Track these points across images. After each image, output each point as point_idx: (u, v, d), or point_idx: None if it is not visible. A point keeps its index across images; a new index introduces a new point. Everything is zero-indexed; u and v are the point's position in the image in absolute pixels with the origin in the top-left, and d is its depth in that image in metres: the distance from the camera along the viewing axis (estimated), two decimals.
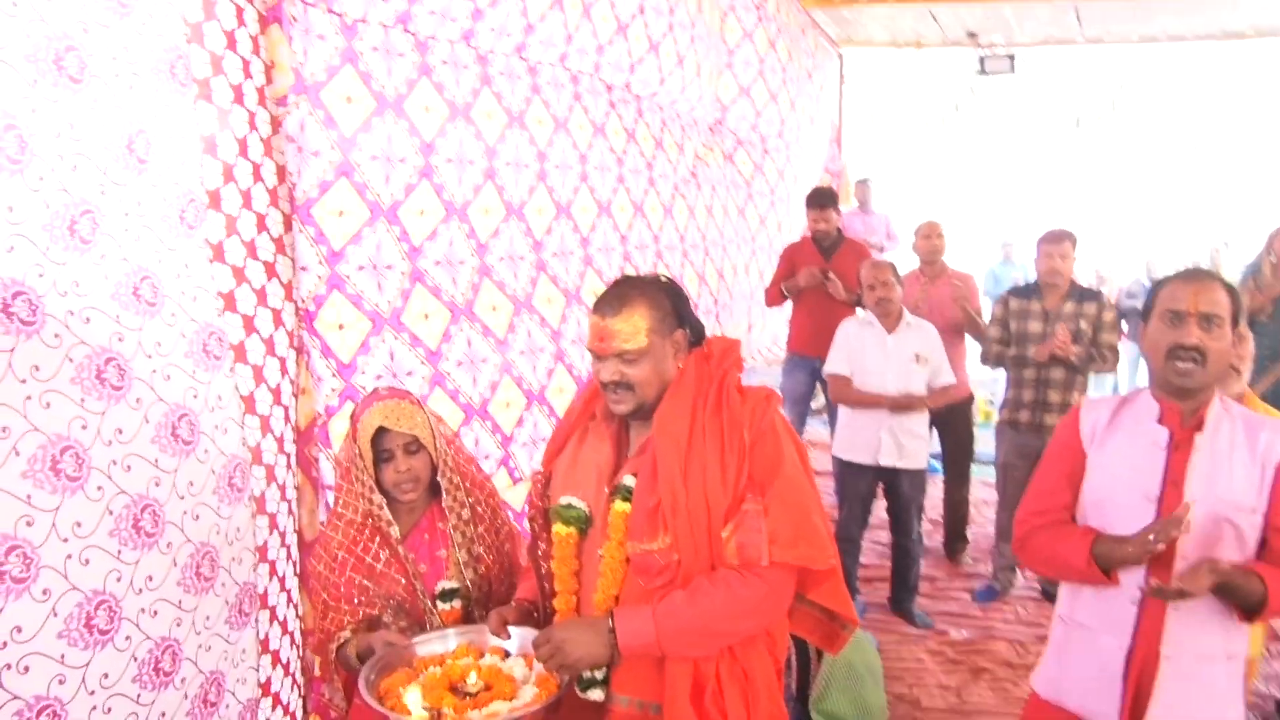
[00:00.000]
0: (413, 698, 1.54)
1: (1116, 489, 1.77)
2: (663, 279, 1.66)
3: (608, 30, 3.62)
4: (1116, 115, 8.68)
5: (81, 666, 1.76)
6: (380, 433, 1.85)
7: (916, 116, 9.01)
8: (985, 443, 4.96)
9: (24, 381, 1.65)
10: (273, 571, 2.41)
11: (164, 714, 1.98)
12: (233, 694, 2.24)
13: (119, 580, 1.85)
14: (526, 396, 3.27)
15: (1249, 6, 6.36)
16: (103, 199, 1.81)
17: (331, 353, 2.52)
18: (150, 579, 1.93)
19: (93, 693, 1.78)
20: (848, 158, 7.79)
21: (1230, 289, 1.74)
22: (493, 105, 3.08)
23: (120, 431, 1.87)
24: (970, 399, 4.54)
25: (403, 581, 1.87)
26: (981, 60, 7.86)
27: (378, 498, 1.86)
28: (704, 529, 1.53)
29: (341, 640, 1.80)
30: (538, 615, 1.77)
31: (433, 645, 1.76)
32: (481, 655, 1.71)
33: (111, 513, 1.83)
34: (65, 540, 1.73)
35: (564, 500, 1.66)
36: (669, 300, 1.62)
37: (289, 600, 2.50)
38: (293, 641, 2.51)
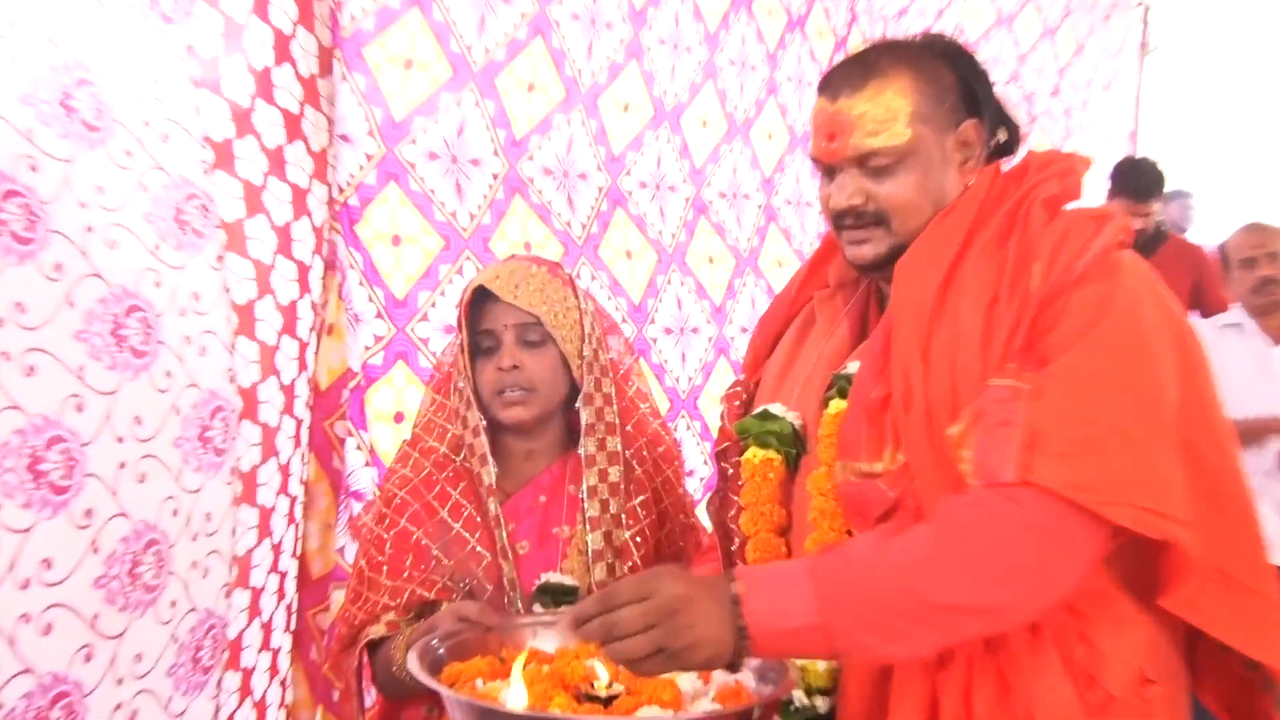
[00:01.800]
0: (516, 693, 1.34)
1: None
2: (945, 36, 1.51)
3: None
4: None
5: None
6: (484, 305, 1.75)
7: (1264, 96, 8.37)
8: None
9: None
10: (254, 609, 2.18)
11: None
12: None
13: None
14: (670, 399, 3.14)
15: None
16: None
17: (379, 278, 2.35)
18: (47, 565, 1.64)
19: None
20: (1148, 134, 7.29)
21: None
22: None
23: (21, 307, 1.61)
24: None
25: (486, 558, 1.73)
26: None
27: (474, 415, 1.75)
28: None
29: (373, 636, 1.67)
30: None
31: (535, 637, 1.55)
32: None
33: None
34: None
35: (761, 409, 1.52)
36: (951, 70, 1.45)
37: (274, 669, 2.26)
38: None
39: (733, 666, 1.24)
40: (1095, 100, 5.93)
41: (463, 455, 1.78)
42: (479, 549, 1.74)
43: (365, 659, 1.73)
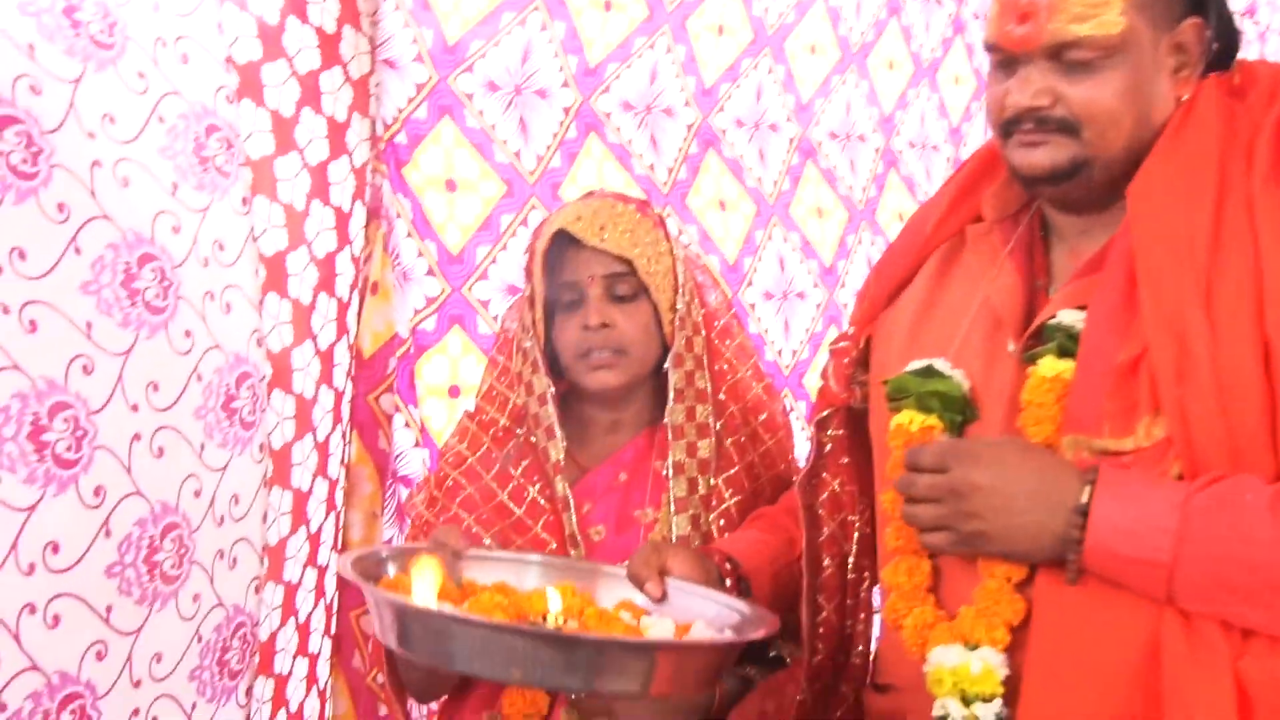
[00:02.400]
0: (423, 588, 1.43)
1: None
2: None
3: None
4: None
5: None
6: (564, 251, 1.72)
7: None
8: None
9: None
10: (290, 608, 2.18)
11: None
12: None
13: None
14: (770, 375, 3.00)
15: None
16: None
17: (430, 230, 2.32)
18: (54, 549, 1.62)
19: None
20: None
21: None
22: None
23: (21, 254, 1.58)
24: None
25: (551, 544, 1.71)
26: None
27: (542, 380, 1.73)
28: (1256, 404, 1.25)
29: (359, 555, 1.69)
30: (730, 582, 1.63)
31: (498, 570, 1.61)
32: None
33: None
34: None
35: (917, 365, 1.44)
36: None
37: (312, 677, 2.25)
38: None
39: (1063, 562, 1.28)
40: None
41: (529, 428, 1.76)
42: (543, 535, 1.72)
43: None
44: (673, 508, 1.72)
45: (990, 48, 1.40)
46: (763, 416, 1.83)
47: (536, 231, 1.81)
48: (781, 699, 1.60)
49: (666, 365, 1.75)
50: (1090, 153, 1.35)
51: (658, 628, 1.49)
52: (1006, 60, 1.38)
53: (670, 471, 1.73)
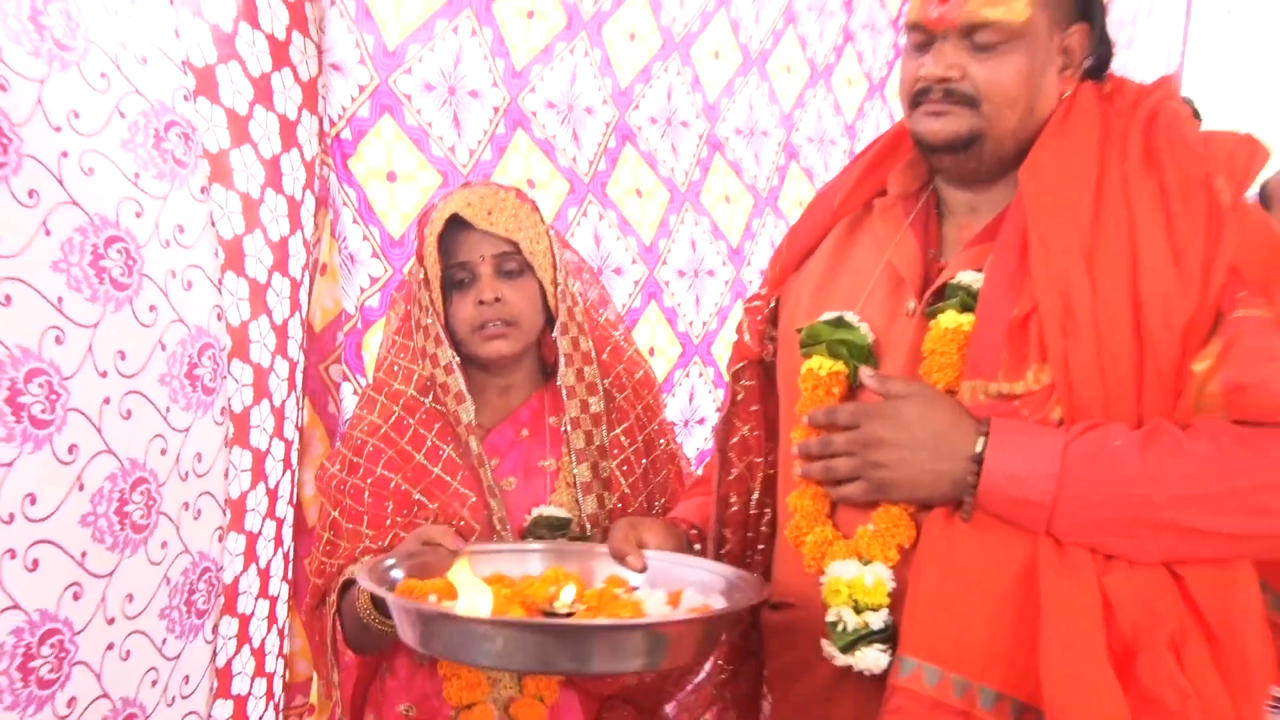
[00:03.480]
0: (472, 597, 1.39)
1: None
2: None
3: None
4: None
5: None
6: (456, 235, 1.70)
7: None
8: None
9: None
10: (250, 554, 2.17)
11: None
12: None
13: None
14: (682, 344, 3.10)
15: None
16: None
17: (373, 216, 2.30)
18: (31, 500, 1.60)
19: None
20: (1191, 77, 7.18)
21: None
22: None
23: None
24: None
25: (472, 498, 1.69)
26: None
27: (446, 353, 1.70)
28: (1128, 356, 1.29)
29: (348, 575, 1.64)
30: (699, 546, 1.62)
31: (494, 562, 1.56)
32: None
33: None
34: None
35: (830, 315, 1.45)
36: None
37: (272, 618, 2.25)
38: (269, 695, 2.27)
39: (958, 505, 1.29)
40: (1138, 42, 5.91)
41: (433, 396, 1.73)
42: (462, 490, 1.69)
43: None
44: (573, 458, 1.71)
45: (912, 26, 1.40)
46: (639, 375, 1.82)
47: (425, 218, 1.78)
48: None
49: (554, 333, 1.74)
50: (985, 126, 1.36)
51: (652, 600, 1.46)
52: (924, 39, 1.39)
53: (568, 427, 1.71)
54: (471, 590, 1.41)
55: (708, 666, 1.69)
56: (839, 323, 1.43)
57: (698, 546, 1.62)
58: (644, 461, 1.78)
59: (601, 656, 1.33)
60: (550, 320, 1.75)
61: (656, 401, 1.85)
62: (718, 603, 1.42)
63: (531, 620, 1.35)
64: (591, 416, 1.74)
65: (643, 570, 1.52)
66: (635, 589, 1.50)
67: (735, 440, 1.58)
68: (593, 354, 1.75)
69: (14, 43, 1.58)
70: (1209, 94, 7.15)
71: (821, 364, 1.41)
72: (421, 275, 1.72)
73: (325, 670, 1.84)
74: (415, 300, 1.74)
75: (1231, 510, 1.26)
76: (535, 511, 1.69)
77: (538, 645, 1.30)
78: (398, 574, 1.48)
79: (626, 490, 1.74)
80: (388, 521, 1.68)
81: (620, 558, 1.53)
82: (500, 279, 1.69)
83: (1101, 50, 1.44)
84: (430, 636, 1.34)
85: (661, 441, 1.83)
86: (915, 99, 1.40)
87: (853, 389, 1.41)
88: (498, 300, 1.67)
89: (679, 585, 1.47)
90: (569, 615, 1.40)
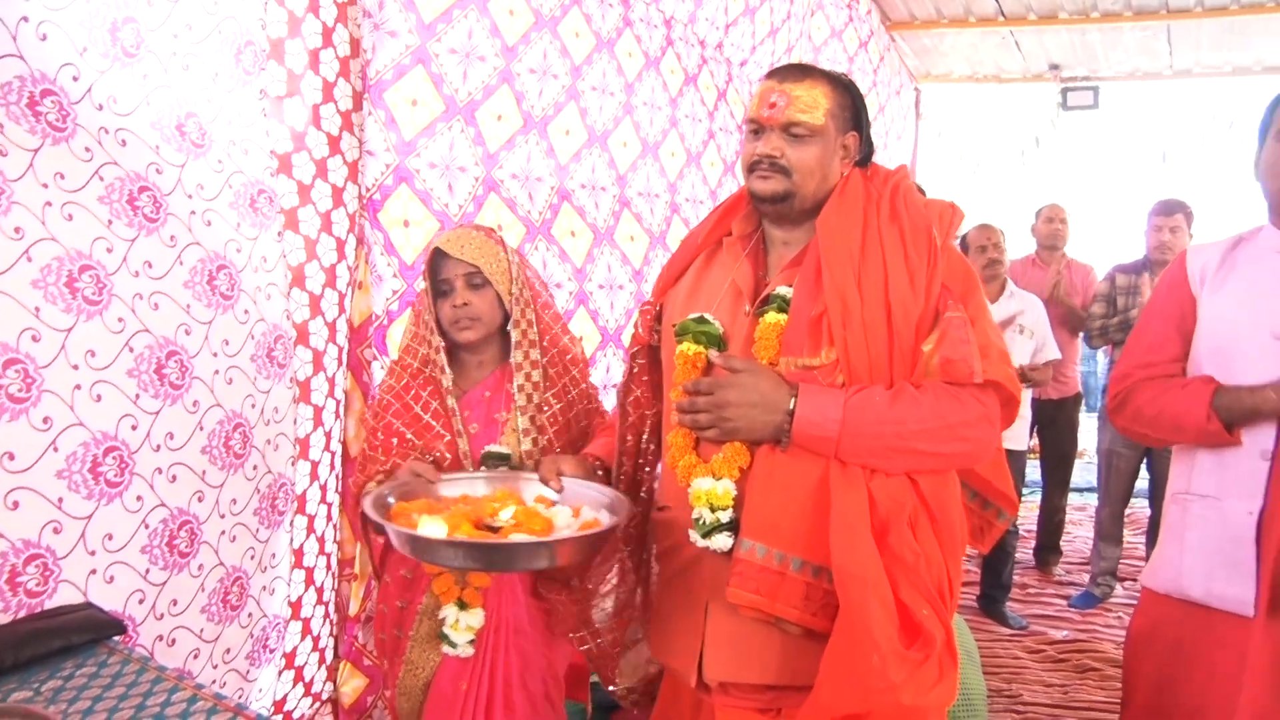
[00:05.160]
0: (431, 525, 1.32)
1: (1238, 331, 1.51)
2: (844, 77, 1.44)
3: None
4: (1205, 150, 8.10)
5: (84, 518, 1.53)
6: (440, 261, 1.68)
7: (994, 152, 8.54)
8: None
9: (45, 186, 1.46)
10: (314, 475, 2.13)
11: (175, 600, 1.71)
12: (256, 602, 1.94)
13: (134, 429, 1.60)
14: (602, 334, 3.01)
15: None
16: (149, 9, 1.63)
17: (394, 250, 2.26)
18: (170, 436, 1.68)
19: (93, 553, 1.54)
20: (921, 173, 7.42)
21: None
22: (580, 25, 2.84)
23: (150, 265, 1.64)
24: (1079, 398, 4.01)
25: (446, 438, 1.67)
26: (1064, 94, 7.40)
27: (436, 339, 1.68)
28: (883, 341, 1.30)
29: (369, 491, 1.52)
30: (601, 472, 1.57)
31: (459, 486, 1.54)
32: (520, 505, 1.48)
33: (132, 350, 1.60)
34: (76, 368, 1.50)
35: (695, 315, 1.41)
36: (851, 99, 1.42)
37: (329, 517, 2.21)
38: (329, 566, 2.22)
39: (778, 441, 1.29)
40: (890, 146, 6.11)
41: (430, 368, 1.71)
42: (441, 430, 1.67)
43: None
44: (518, 411, 1.68)
45: (751, 120, 1.40)
46: (569, 356, 1.78)
47: (426, 249, 1.73)
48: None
49: (509, 327, 1.70)
50: (794, 189, 1.37)
51: (561, 514, 1.44)
52: (757, 129, 1.39)
53: (516, 390, 1.69)
54: (432, 516, 1.38)
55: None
56: (701, 320, 1.41)
57: (600, 472, 1.58)
58: (568, 416, 1.74)
59: (517, 561, 1.34)
60: (508, 318, 1.71)
61: (583, 375, 1.80)
62: (604, 516, 1.41)
63: (469, 540, 1.31)
64: (532, 384, 1.70)
65: (560, 491, 1.50)
66: (554, 504, 1.49)
67: (631, 399, 1.55)
68: (536, 341, 1.70)
69: (165, 141, 1.65)
70: (929, 179, 7.53)
71: (690, 348, 1.39)
72: (422, 287, 1.72)
73: (361, 542, 1.83)
74: (421, 304, 1.73)
75: (944, 439, 1.28)
76: (486, 448, 1.67)
77: (472, 555, 1.30)
78: (393, 500, 1.45)
79: (552, 436, 1.71)
80: (394, 452, 1.67)
81: (545, 482, 1.51)
82: (469, 290, 1.66)
83: (866, 149, 1.44)
84: (404, 547, 1.35)
85: (584, 402, 1.79)
86: (751, 168, 1.39)
87: (710, 365, 1.40)
88: (465, 305, 1.65)
89: (580, 503, 1.47)
90: (500, 529, 1.38)
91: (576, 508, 1.46)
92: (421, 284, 1.73)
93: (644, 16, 3.18)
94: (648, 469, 1.57)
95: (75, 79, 1.50)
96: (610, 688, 1.70)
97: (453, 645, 1.65)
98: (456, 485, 1.55)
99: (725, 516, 1.33)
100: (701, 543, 1.34)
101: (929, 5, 5.95)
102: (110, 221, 1.56)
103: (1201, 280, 1.61)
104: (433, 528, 1.31)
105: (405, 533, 1.31)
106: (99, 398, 1.53)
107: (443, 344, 1.68)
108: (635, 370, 1.54)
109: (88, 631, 1.39)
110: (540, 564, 1.38)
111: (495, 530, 1.36)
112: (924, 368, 1.30)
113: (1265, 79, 6.97)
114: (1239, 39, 6.24)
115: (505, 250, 1.70)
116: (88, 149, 1.52)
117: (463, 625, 1.64)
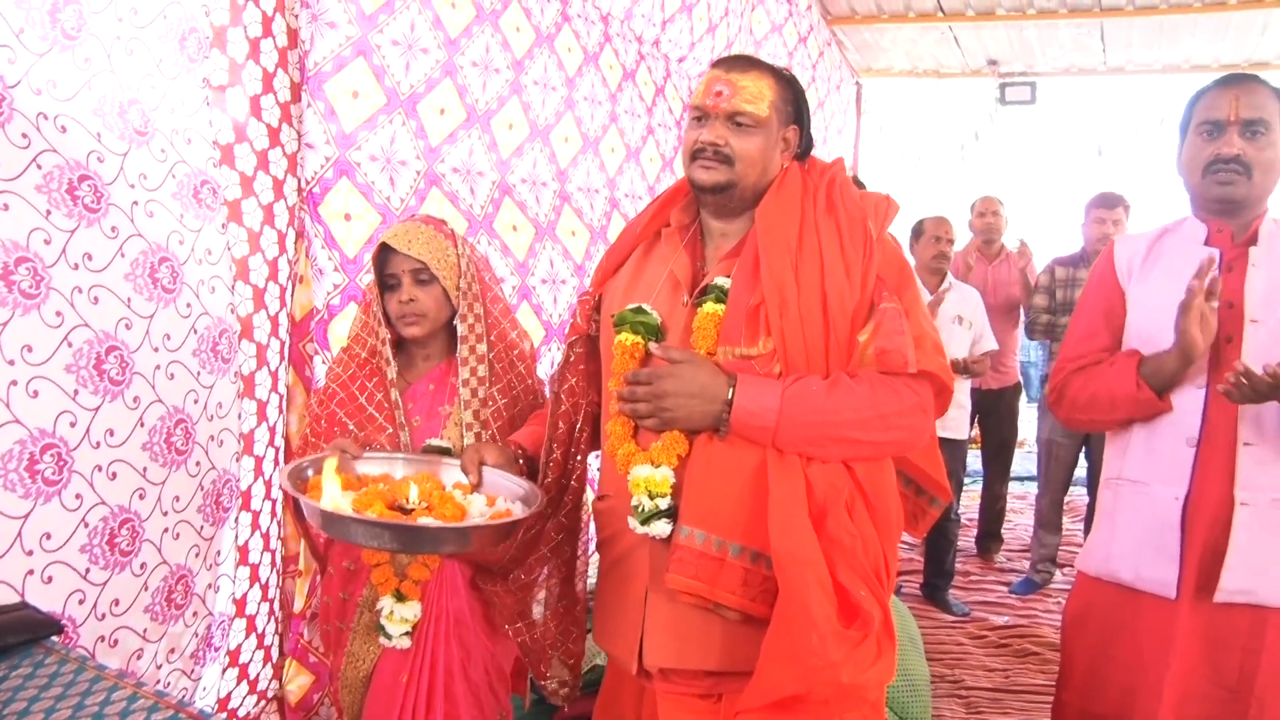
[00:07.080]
0: (331, 491, 1.33)
1: (1165, 320, 1.59)
2: (787, 72, 1.47)
3: None
4: (1139, 145, 8.49)
5: (20, 518, 1.52)
6: (387, 255, 1.68)
7: (934, 146, 8.82)
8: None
9: None
10: (258, 470, 2.15)
11: (116, 600, 1.71)
12: (201, 600, 1.95)
13: (73, 426, 1.59)
14: (545, 328, 3.06)
15: (1277, 34, 6.21)
16: None
17: (335, 244, 2.28)
18: (110, 433, 1.68)
19: (30, 553, 1.53)
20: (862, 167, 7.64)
21: (1277, 92, 1.57)
22: (521, 19, 2.90)
23: (90, 257, 1.63)
24: (1018, 388, 4.20)
25: (389, 430, 1.68)
26: (1002, 89, 7.69)
27: (383, 331, 1.69)
28: (819, 331, 1.32)
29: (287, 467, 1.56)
30: (524, 465, 1.58)
31: (380, 465, 1.56)
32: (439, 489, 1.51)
33: (71, 345, 1.59)
34: (12, 363, 1.49)
35: (633, 305, 1.43)
36: (794, 94, 1.45)
37: (273, 513, 2.23)
38: (273, 563, 2.23)
39: (716, 430, 1.31)
40: (831, 140, 6.23)
41: (377, 358, 1.72)
42: (383, 423, 1.69)
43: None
44: (462, 405, 1.68)
45: (696, 107, 1.40)
46: (516, 351, 1.79)
47: (373, 242, 1.72)
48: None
49: (455, 321, 1.70)
50: (737, 179, 1.38)
51: (476, 501, 1.45)
52: (701, 116, 1.40)
53: (460, 384, 1.69)
54: (335, 492, 1.37)
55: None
56: (639, 311, 1.41)
57: (521, 461, 1.58)
58: (513, 411, 1.74)
59: (422, 544, 1.34)
60: (455, 312, 1.72)
61: (529, 370, 1.80)
62: (517, 508, 1.43)
63: (377, 519, 1.31)
64: (477, 379, 1.70)
65: (477, 482, 1.51)
66: (471, 492, 1.51)
67: (565, 387, 1.54)
68: (483, 335, 1.71)
69: (108, 129, 1.65)
70: (871, 173, 7.77)
71: (628, 338, 1.40)
72: (370, 281, 1.73)
73: (304, 537, 1.86)
74: (369, 297, 1.74)
75: (879, 428, 1.30)
76: (427, 441, 1.67)
77: (375, 533, 1.30)
78: (311, 473, 1.43)
79: (495, 431, 1.71)
80: (331, 441, 1.65)
81: (465, 471, 1.53)
82: (415, 285, 1.66)
83: (806, 143, 1.46)
84: (314, 519, 1.35)
85: (529, 397, 1.79)
86: (694, 155, 1.39)
87: (648, 355, 1.39)
88: (411, 301, 1.66)
89: (497, 493, 1.49)
90: (412, 510, 1.38)
91: (492, 497, 1.48)
92: (368, 277, 1.75)
93: (581, 12, 3.24)
94: (579, 457, 1.59)
95: (11, 62, 1.48)
96: (541, 681, 1.72)
97: (388, 637, 1.67)
98: (377, 464, 1.56)
99: (664, 503, 1.34)
100: (640, 529, 1.35)
101: (869, 0, 6.14)
102: (49, 212, 1.54)
103: (1129, 271, 1.70)
104: (332, 495, 1.32)
105: (314, 506, 1.31)
106: (36, 394, 1.52)
107: (389, 336, 1.69)
108: (572, 359, 1.54)
109: (23, 632, 1.36)
110: (447, 548, 1.42)
111: (407, 513, 1.37)
112: (859, 357, 1.32)
113: (1193, 76, 7.36)
114: (1168, 37, 6.58)
115: (455, 244, 1.71)
116: (25, 135, 1.50)
117: (398, 617, 1.66)
